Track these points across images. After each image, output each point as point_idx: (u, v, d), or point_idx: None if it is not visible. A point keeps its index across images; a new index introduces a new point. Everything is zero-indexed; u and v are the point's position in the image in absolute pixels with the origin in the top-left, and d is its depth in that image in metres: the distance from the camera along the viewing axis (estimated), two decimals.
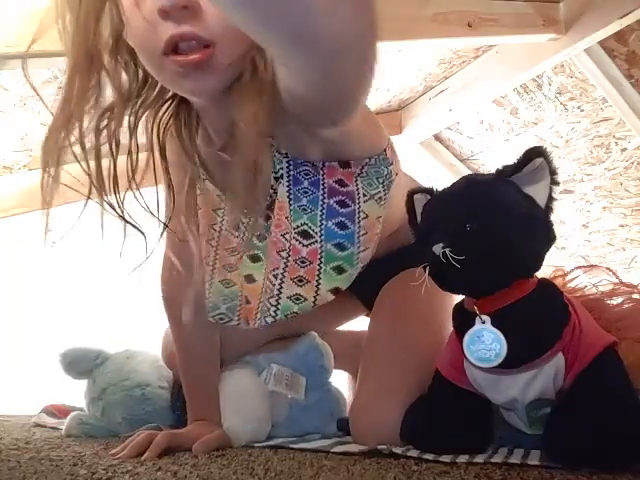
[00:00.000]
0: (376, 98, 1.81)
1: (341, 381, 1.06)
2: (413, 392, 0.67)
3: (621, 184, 2.03)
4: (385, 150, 0.74)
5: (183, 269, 0.76)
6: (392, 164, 0.75)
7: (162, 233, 0.70)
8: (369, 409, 0.72)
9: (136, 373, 0.91)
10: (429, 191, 0.63)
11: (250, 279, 0.80)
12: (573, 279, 0.71)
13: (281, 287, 0.75)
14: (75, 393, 0.99)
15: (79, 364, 0.91)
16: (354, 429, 0.73)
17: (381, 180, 0.74)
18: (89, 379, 0.91)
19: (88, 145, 0.60)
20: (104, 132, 0.61)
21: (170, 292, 0.83)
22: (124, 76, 0.63)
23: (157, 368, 0.95)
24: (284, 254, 0.75)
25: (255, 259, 0.79)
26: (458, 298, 0.63)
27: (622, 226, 2.26)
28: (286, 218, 0.73)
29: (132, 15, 0.55)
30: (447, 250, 0.53)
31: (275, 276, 0.75)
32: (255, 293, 0.79)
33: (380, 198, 0.75)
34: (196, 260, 0.74)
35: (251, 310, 0.79)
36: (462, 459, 0.55)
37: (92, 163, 0.61)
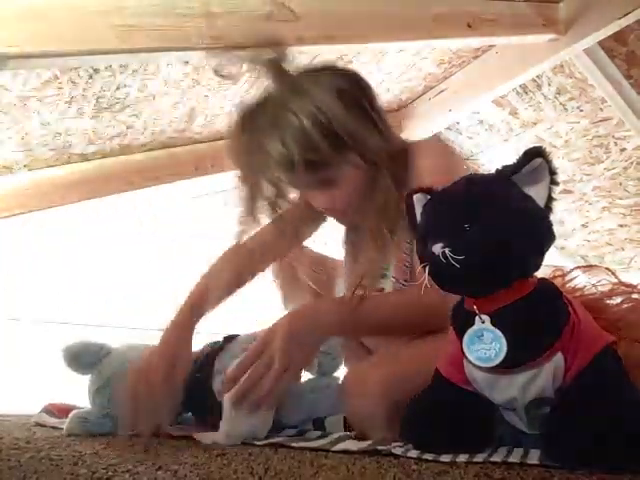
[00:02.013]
0: None
1: None
2: (410, 380, 0.69)
3: (620, 184, 2.03)
4: None
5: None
6: None
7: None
8: (361, 372, 0.80)
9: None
10: (429, 191, 0.63)
11: None
12: (572, 279, 0.71)
13: None
14: (75, 393, 0.99)
15: (83, 357, 0.90)
16: (345, 386, 0.81)
17: None
18: (92, 373, 0.90)
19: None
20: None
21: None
22: None
23: None
24: None
25: None
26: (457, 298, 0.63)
27: (621, 226, 2.27)
28: None
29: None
30: (447, 250, 0.53)
31: None
32: None
33: None
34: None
35: None
36: (462, 458, 0.55)
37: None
